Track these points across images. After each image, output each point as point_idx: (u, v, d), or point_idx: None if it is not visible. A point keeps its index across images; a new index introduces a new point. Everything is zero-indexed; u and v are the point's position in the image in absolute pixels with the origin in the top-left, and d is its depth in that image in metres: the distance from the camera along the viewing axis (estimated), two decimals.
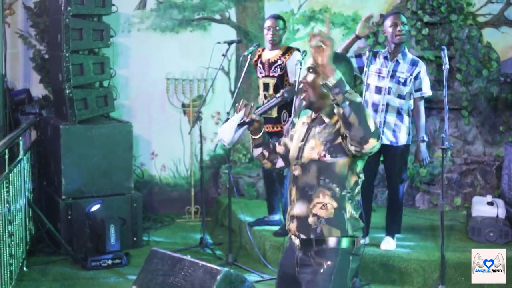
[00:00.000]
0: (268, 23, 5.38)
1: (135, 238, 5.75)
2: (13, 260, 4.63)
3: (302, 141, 2.70)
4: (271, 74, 5.33)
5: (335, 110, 2.41)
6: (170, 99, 6.92)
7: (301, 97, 2.70)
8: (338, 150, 2.56)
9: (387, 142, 4.83)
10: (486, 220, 5.17)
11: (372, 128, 2.37)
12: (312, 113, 2.74)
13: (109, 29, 5.87)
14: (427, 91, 4.89)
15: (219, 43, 5.64)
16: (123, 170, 5.76)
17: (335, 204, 2.58)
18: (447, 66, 4.54)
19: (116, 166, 5.71)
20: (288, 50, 5.35)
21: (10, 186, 4.54)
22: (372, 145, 2.38)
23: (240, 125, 2.74)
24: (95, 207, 5.27)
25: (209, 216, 6.73)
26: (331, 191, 2.57)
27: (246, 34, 7.07)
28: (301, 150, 2.68)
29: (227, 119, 4.77)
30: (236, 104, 2.81)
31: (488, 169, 6.56)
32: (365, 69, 4.65)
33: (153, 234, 6.21)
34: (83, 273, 5.12)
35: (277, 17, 5.44)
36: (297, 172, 2.67)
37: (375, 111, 4.83)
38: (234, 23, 7.12)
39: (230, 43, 5.55)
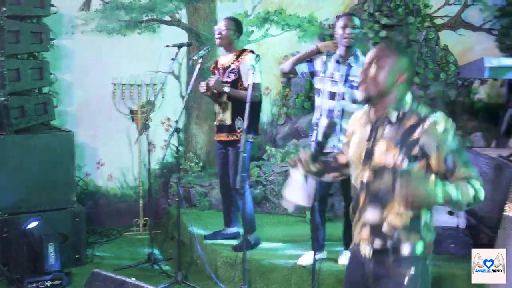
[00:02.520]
0: (217, 25, 5.10)
1: (77, 256, 5.35)
2: None
3: (368, 141, 2.53)
4: (225, 80, 5.04)
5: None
6: (117, 105, 6.55)
7: (359, 89, 2.53)
8: (415, 157, 2.41)
9: None
10: (446, 231, 4.95)
11: (476, 198, 2.35)
12: (371, 110, 2.55)
13: (49, 31, 5.47)
14: None
15: (167, 46, 5.29)
16: (64, 182, 5.35)
17: (410, 213, 2.44)
18: None
19: (56, 178, 5.29)
20: (241, 53, 5.05)
21: None
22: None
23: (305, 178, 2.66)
24: (33, 224, 4.87)
25: (159, 228, 6.39)
26: None
27: (197, 37, 6.75)
28: (369, 152, 2.51)
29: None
30: (288, 160, 2.70)
31: None
32: (322, 74, 4.38)
33: (98, 250, 5.83)
34: None
35: (229, 18, 5.16)
36: (366, 177, 2.52)
37: (331, 118, 4.58)
38: (185, 25, 6.79)
39: (179, 46, 5.23)
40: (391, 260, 2.49)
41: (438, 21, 7.14)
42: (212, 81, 4.93)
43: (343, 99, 4.55)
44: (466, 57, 6.99)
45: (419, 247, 2.48)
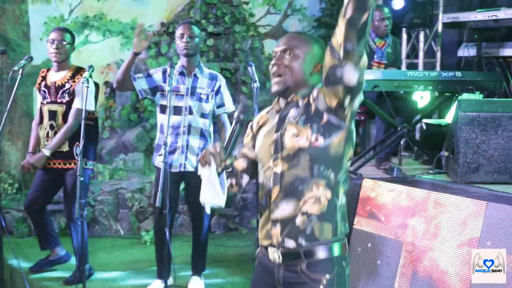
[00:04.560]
0: (51, 35, 4.47)
1: None
2: None
3: (277, 131, 2.28)
4: (58, 101, 4.44)
5: None
6: None
7: (274, 81, 2.28)
8: (329, 128, 2.20)
9: (191, 169, 4.28)
10: None
11: None
12: (279, 100, 2.34)
13: None
14: (230, 106, 4.47)
15: None
16: None
17: (329, 194, 2.23)
18: (257, 84, 4.14)
19: None
20: (77, 72, 4.49)
21: None
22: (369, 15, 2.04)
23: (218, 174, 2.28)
24: None
25: None
26: (326, 179, 2.23)
27: (7, 42, 6.00)
28: (279, 142, 2.27)
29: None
30: (199, 158, 2.28)
31: None
32: (168, 88, 3.99)
33: None
34: None
35: (63, 30, 4.56)
36: (279, 168, 2.26)
37: (177, 134, 4.25)
38: None
39: None
40: (304, 265, 2.24)
41: (262, 30, 7.15)
42: (32, 161, 4.40)
43: (190, 113, 4.25)
44: None
45: (336, 249, 2.25)
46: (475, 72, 5.32)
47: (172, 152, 4.24)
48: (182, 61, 4.34)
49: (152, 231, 5.58)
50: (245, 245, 5.18)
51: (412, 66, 6.95)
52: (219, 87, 4.38)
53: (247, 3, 6.95)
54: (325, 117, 2.20)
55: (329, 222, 2.23)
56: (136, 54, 4.16)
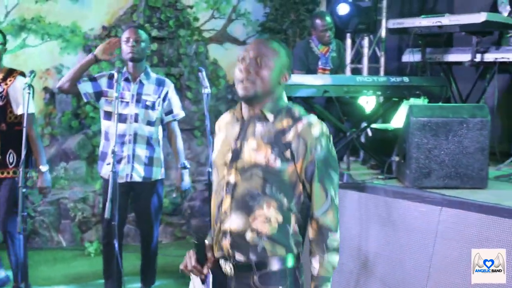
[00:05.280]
0: None
1: None
2: None
3: (237, 139, 2.22)
4: None
5: None
6: None
7: (243, 85, 2.19)
8: (289, 157, 2.16)
9: (139, 179, 4.14)
10: None
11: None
12: (244, 108, 2.25)
13: None
14: (179, 112, 4.33)
15: None
16: None
17: (280, 218, 2.18)
18: (208, 89, 4.03)
19: None
20: (9, 74, 4.26)
21: None
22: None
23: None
24: None
25: None
26: (278, 202, 2.18)
27: None
28: (237, 151, 2.21)
29: None
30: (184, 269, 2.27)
31: None
32: (115, 94, 3.83)
33: None
34: None
35: None
36: (233, 178, 2.20)
37: (122, 143, 4.09)
38: None
39: None
40: (256, 277, 2.18)
41: (206, 35, 7.04)
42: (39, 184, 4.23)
43: (136, 121, 4.10)
44: (233, 70, 6.97)
45: (290, 260, 2.20)
46: (422, 77, 5.37)
47: (118, 161, 4.07)
48: (128, 66, 4.20)
49: (96, 242, 5.40)
50: None
51: (356, 71, 6.99)
52: (167, 93, 4.24)
53: (191, 7, 6.83)
54: (289, 152, 2.16)
55: (281, 245, 2.19)
56: (96, 60, 4.03)
